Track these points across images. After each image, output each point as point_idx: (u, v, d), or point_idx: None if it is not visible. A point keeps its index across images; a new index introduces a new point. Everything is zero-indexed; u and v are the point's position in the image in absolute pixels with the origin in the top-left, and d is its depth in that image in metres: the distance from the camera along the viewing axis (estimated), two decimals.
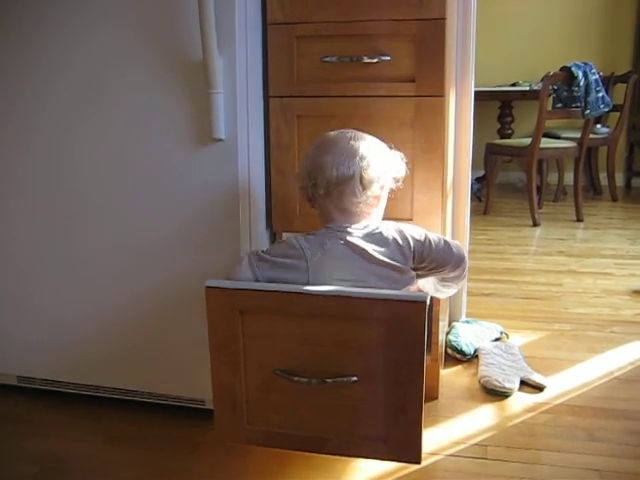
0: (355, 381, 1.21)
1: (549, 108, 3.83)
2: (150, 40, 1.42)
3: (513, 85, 4.84)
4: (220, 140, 1.43)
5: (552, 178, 4.84)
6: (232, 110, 1.42)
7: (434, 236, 1.36)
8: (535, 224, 3.85)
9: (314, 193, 1.32)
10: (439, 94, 1.46)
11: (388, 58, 1.46)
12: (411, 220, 1.53)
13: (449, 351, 1.98)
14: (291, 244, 1.30)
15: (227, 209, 1.46)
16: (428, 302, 1.14)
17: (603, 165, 4.68)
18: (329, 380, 1.21)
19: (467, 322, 2.16)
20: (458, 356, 1.96)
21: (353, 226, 1.31)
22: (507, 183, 5.23)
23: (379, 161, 1.32)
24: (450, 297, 2.20)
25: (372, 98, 1.49)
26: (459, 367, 1.95)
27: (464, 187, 2.14)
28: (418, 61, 1.45)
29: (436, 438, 1.55)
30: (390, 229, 1.33)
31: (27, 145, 1.55)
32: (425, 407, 1.67)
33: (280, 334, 1.23)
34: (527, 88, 4.57)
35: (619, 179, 4.99)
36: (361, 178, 1.28)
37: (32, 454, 1.52)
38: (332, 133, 1.34)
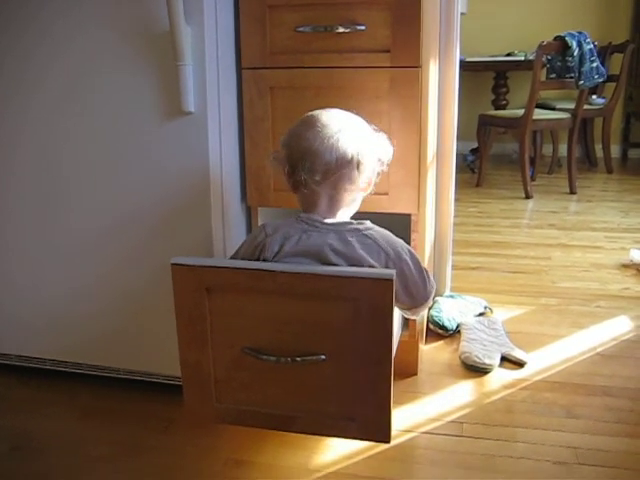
0: (323, 360, 1.18)
1: (543, 78, 3.77)
2: (114, 10, 1.38)
3: (508, 55, 4.76)
4: (189, 113, 1.39)
5: (547, 150, 4.79)
6: (202, 82, 1.37)
7: (416, 262, 1.28)
8: (528, 196, 3.81)
9: (305, 179, 1.22)
10: (415, 65, 1.42)
11: (363, 28, 1.42)
12: (387, 194, 1.50)
13: (431, 326, 1.96)
14: (253, 237, 1.28)
15: (198, 184, 1.43)
16: (394, 279, 1.11)
17: (598, 136, 4.63)
18: (298, 359, 1.19)
19: (451, 297, 2.14)
20: (440, 331, 1.94)
21: (334, 220, 1.26)
22: (502, 154, 5.18)
23: (372, 144, 1.28)
24: (434, 270, 2.18)
25: (347, 69, 1.45)
26: (441, 342, 1.93)
27: (448, 159, 2.10)
28: (393, 31, 1.41)
29: (412, 415, 1.54)
30: (384, 236, 1.26)
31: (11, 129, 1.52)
32: (403, 383, 1.68)
33: (248, 312, 1.20)
34: (522, 58, 4.50)
35: (615, 151, 4.95)
36: (358, 163, 1.23)
37: (3, 431, 1.51)
38: (316, 114, 1.26)
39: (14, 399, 1.65)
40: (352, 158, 1.22)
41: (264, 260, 1.24)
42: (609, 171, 4.53)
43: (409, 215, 1.55)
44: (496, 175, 4.50)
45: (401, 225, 1.56)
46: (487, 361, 1.73)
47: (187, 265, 1.19)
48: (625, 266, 2.59)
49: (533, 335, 1.96)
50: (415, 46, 1.40)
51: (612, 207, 3.58)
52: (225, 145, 1.46)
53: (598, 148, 4.72)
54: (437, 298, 2.11)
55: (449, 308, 2.01)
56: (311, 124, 1.24)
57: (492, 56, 4.73)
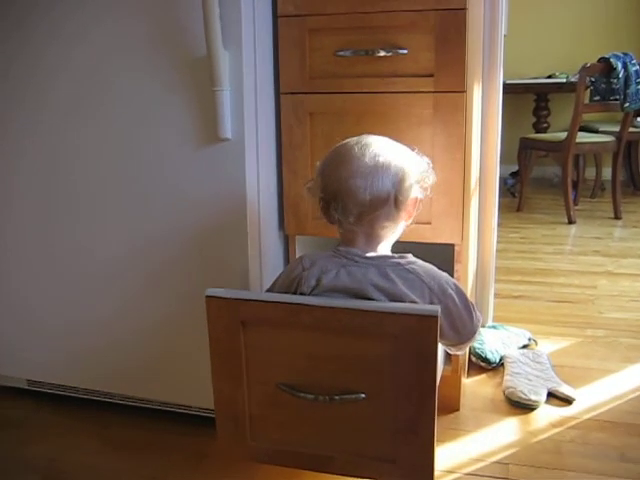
0: (363, 398, 1.13)
1: (586, 101, 3.68)
2: (152, 35, 1.36)
3: (549, 77, 4.68)
4: (226, 140, 1.35)
5: (589, 173, 4.67)
6: (239, 108, 1.34)
7: (462, 296, 1.21)
8: (571, 222, 3.71)
9: (339, 219, 1.17)
10: (460, 89, 1.37)
11: (405, 51, 1.37)
12: (429, 224, 1.44)
13: (473, 359, 1.89)
14: (290, 269, 1.23)
15: (235, 212, 1.39)
16: (439, 315, 1.05)
17: None
18: (336, 397, 1.13)
19: (493, 327, 2.07)
20: (483, 364, 1.87)
21: (374, 254, 1.19)
22: (543, 178, 5.08)
23: (413, 172, 1.19)
24: (476, 299, 2.11)
25: (388, 94, 1.41)
26: (483, 376, 1.85)
27: (491, 185, 2.04)
28: (437, 54, 1.36)
29: (455, 454, 1.47)
30: (427, 271, 1.18)
31: (27, 146, 1.50)
32: (445, 419, 1.61)
33: (284, 347, 1.16)
34: (564, 80, 4.41)
35: None
36: (396, 199, 1.16)
37: (35, 461, 1.48)
38: (350, 145, 1.18)
39: (46, 427, 1.62)
40: (389, 196, 1.15)
41: (301, 294, 1.19)
42: None
43: (452, 245, 1.49)
44: (537, 199, 4.40)
45: (443, 255, 1.50)
46: (533, 397, 1.65)
47: (222, 298, 1.15)
48: None
49: (580, 369, 1.87)
50: (460, 70, 1.35)
51: None
52: (262, 172, 1.43)
53: None
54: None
55: (492, 340, 1.94)
56: (345, 157, 1.16)
57: (533, 78, 4.65)
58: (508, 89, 4.06)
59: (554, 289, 2.60)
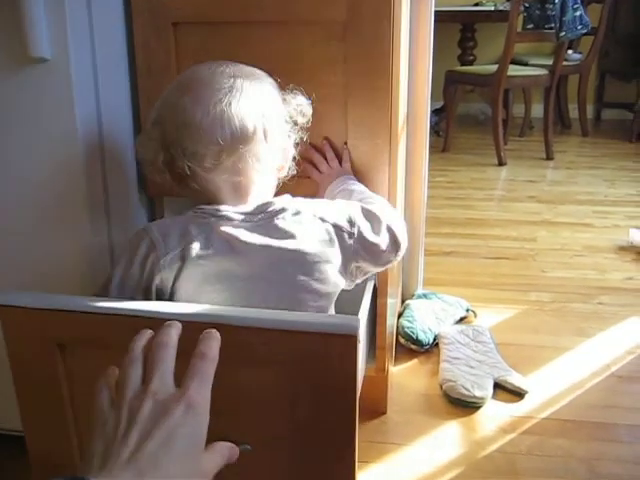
0: (248, 450, 0.74)
1: (519, 29, 3.33)
2: None
3: (476, 5, 4.30)
4: (43, 60, 0.91)
5: (517, 110, 4.37)
6: (60, 14, 0.89)
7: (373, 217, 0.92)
8: (501, 163, 3.40)
9: (191, 167, 0.81)
10: None
11: None
12: None
13: (402, 340, 1.53)
14: (132, 249, 0.82)
15: (64, 166, 0.96)
16: (361, 333, 0.67)
17: (572, 96, 4.23)
18: None
19: (424, 296, 1.72)
20: (413, 347, 1.52)
21: (245, 207, 0.84)
22: (467, 115, 4.74)
23: (280, 103, 0.88)
24: (403, 260, 1.75)
25: None
26: (414, 362, 1.51)
27: (421, 124, 1.66)
28: None
29: (382, 478, 1.12)
30: (317, 209, 0.88)
31: None
32: (369, 428, 1.25)
33: None
34: (492, 8, 4.04)
35: (588, 111, 4.56)
36: (265, 133, 0.83)
37: None
38: (201, 68, 0.85)
39: None
40: (255, 129, 0.81)
41: (159, 289, 0.79)
42: (584, 134, 4.14)
43: None
44: (463, 139, 4.06)
45: None
46: (477, 393, 1.32)
47: (23, 307, 0.74)
48: (623, 249, 2.20)
49: (529, 348, 1.56)
50: None
51: (595, 175, 3.18)
52: (107, 109, 0.99)
53: (572, 108, 4.33)
54: (408, 302, 1.68)
55: (423, 315, 1.59)
56: (189, 85, 0.83)
57: (458, 6, 4.26)
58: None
59: (489, 243, 2.28)
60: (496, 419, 1.28)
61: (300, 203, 0.87)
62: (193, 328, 0.64)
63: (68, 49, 0.90)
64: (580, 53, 4.06)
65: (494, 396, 1.35)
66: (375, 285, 1.15)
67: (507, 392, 1.37)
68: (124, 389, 0.53)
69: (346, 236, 0.87)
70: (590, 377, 1.43)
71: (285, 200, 0.86)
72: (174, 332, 0.58)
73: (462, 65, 4.26)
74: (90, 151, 0.96)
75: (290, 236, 0.83)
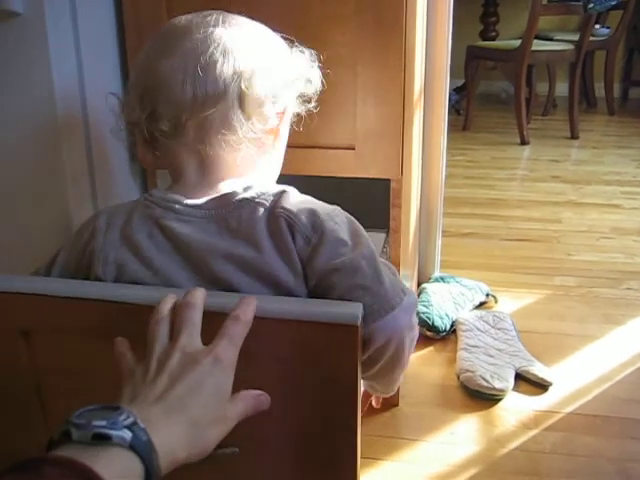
0: (236, 454, 0.65)
1: (544, 1, 3.18)
2: None
3: None
4: (14, 14, 0.81)
5: (540, 89, 4.22)
6: None
7: (369, 252, 0.67)
8: (523, 142, 3.27)
9: (154, 130, 0.68)
10: None
11: None
12: (353, 149, 0.95)
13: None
14: (79, 232, 0.72)
15: (42, 132, 0.87)
16: (360, 321, 0.58)
17: (598, 73, 4.08)
18: None
19: (441, 280, 1.62)
20: (429, 334, 1.42)
21: (203, 195, 0.69)
22: (489, 93, 4.60)
23: (273, 66, 0.70)
24: (420, 241, 1.65)
25: None
26: (430, 349, 1.41)
27: (439, 98, 1.55)
28: None
29: (392, 478, 1.03)
30: (293, 202, 0.67)
31: None
32: (379, 422, 1.16)
33: (100, 369, 0.67)
34: None
35: (615, 89, 4.39)
36: (241, 96, 0.67)
37: None
38: (183, 18, 0.71)
39: None
40: (226, 89, 0.66)
41: (96, 277, 0.68)
42: (611, 112, 3.99)
43: (387, 180, 1.00)
44: (484, 117, 3.93)
45: (372, 195, 1.03)
46: (497, 384, 1.22)
47: None
48: None
49: (553, 336, 1.45)
50: None
51: (622, 155, 3.04)
52: (89, 68, 0.90)
53: (597, 86, 4.17)
54: (424, 285, 1.58)
55: (440, 299, 1.49)
56: (162, 37, 0.70)
57: None
58: None
59: (510, 224, 2.17)
60: (517, 413, 1.19)
61: (292, 203, 0.66)
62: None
63: (43, 2, 0.81)
64: (608, 28, 3.90)
65: (515, 388, 1.25)
66: None
67: (529, 384, 1.27)
68: (152, 346, 0.54)
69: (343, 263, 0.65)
70: (620, 368, 1.32)
71: (263, 190, 0.67)
72: (200, 294, 0.57)
73: (483, 41, 4.11)
74: (70, 115, 0.87)
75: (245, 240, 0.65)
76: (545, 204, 2.35)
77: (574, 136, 3.37)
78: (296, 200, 0.67)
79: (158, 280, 0.66)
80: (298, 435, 0.64)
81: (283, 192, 0.67)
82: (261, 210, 0.66)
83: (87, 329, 0.65)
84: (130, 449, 0.44)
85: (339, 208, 0.69)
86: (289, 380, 0.61)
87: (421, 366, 1.34)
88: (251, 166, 0.72)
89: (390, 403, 1.20)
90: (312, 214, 0.65)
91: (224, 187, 0.69)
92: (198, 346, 0.54)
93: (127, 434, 0.44)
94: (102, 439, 0.44)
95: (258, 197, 0.66)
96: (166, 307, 0.57)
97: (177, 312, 0.56)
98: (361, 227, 0.69)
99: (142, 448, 0.45)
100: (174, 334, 0.54)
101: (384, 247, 1.06)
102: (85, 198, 0.92)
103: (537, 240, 2.02)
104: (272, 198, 0.66)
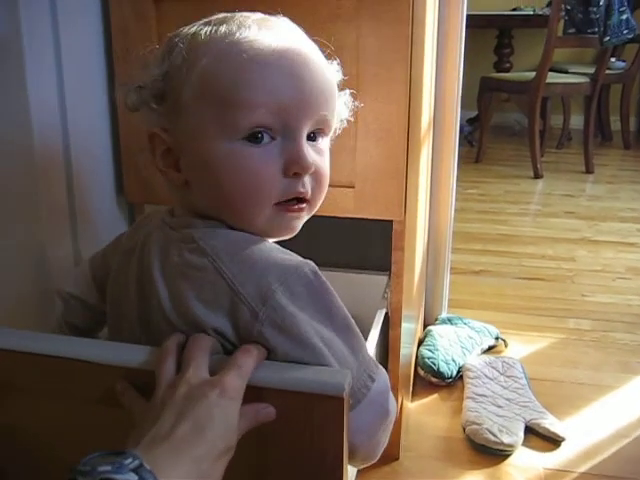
0: None
1: (559, 34, 3.13)
2: None
3: (514, 10, 4.11)
4: None
5: (555, 121, 4.16)
6: None
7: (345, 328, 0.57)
8: (537, 175, 3.20)
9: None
10: None
11: None
12: (352, 187, 0.89)
13: (421, 372, 1.36)
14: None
15: (20, 162, 0.81)
16: (346, 392, 0.51)
17: (614, 106, 4.01)
18: None
19: (449, 321, 1.54)
20: (434, 380, 1.35)
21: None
22: (503, 125, 4.54)
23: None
24: (427, 279, 1.58)
25: None
26: (435, 397, 1.33)
27: (450, 130, 1.49)
28: None
29: None
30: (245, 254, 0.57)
31: None
32: (378, 475, 1.08)
33: (74, 428, 0.60)
34: (531, 12, 3.85)
35: (631, 123, 4.33)
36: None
37: None
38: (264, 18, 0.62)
39: None
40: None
41: None
42: (627, 146, 3.92)
43: (389, 222, 0.94)
44: (497, 149, 3.87)
45: (372, 237, 0.96)
46: (506, 439, 1.14)
47: None
48: None
49: (566, 385, 1.37)
50: None
51: (638, 190, 2.97)
52: (72, 95, 0.84)
53: (613, 119, 4.10)
54: (430, 327, 1.51)
55: (446, 343, 1.41)
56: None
57: (495, 11, 4.07)
58: (467, 23, 3.50)
59: (523, 262, 2.09)
60: (527, 471, 1.10)
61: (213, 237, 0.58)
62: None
63: (20, 21, 0.75)
64: (624, 61, 3.84)
65: (525, 442, 1.17)
66: (387, 313, 0.98)
67: (540, 438, 1.19)
68: (159, 382, 0.53)
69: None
70: (637, 423, 1.24)
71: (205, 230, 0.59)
72: (208, 337, 0.55)
73: (497, 73, 4.07)
74: (48, 144, 0.81)
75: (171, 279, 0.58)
76: (559, 241, 2.28)
77: (589, 170, 3.30)
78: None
79: None
80: None
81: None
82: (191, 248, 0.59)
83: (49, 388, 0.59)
84: None
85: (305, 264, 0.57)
86: (264, 453, 0.54)
87: (425, 415, 1.26)
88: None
89: (390, 456, 1.12)
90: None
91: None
92: (205, 377, 0.52)
93: (133, 477, 0.43)
94: None
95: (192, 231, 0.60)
96: (173, 342, 0.55)
97: (187, 345, 0.54)
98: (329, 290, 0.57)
99: None
100: (182, 367, 0.53)
101: (385, 292, 0.99)
102: (63, 234, 0.86)
103: (550, 279, 1.94)
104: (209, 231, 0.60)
